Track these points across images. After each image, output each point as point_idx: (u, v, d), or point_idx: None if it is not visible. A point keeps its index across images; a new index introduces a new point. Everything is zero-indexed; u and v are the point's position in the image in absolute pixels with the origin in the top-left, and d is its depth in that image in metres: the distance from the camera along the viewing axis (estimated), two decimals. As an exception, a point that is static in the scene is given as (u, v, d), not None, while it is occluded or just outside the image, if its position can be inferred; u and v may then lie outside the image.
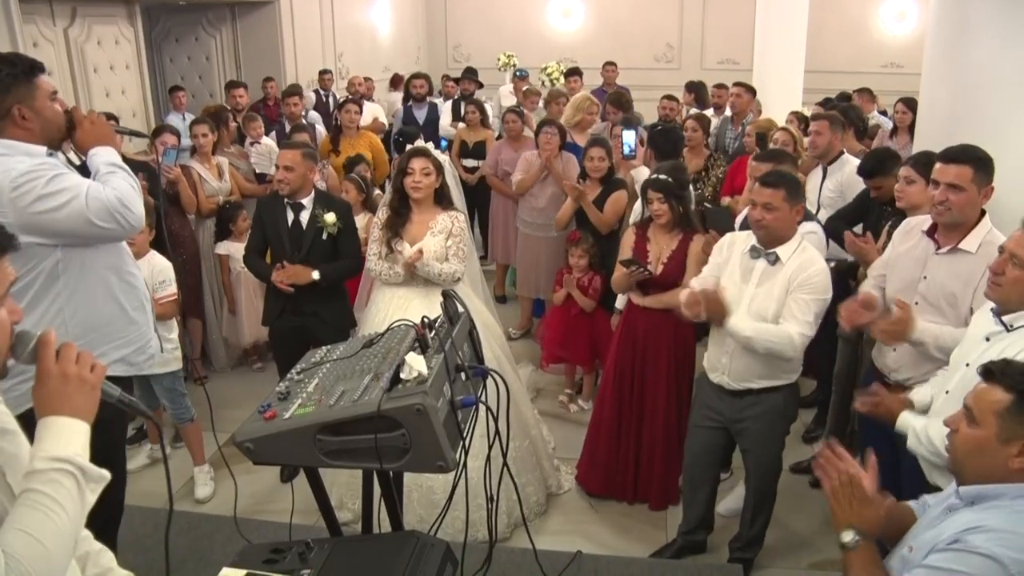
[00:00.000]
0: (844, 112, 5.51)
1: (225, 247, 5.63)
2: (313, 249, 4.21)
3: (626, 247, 4.13)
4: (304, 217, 4.23)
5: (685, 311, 3.31)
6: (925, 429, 2.53)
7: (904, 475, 2.95)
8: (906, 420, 2.63)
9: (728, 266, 3.39)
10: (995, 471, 1.83)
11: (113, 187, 2.64)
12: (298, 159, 4.18)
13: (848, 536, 1.96)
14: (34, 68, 2.60)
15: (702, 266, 3.88)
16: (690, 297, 3.29)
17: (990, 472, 1.84)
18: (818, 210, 4.62)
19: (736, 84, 7.40)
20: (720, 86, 7.97)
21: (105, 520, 2.75)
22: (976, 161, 2.93)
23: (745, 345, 3.21)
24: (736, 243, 3.41)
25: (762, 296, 3.23)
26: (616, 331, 4.28)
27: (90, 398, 1.56)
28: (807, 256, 3.22)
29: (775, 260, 3.23)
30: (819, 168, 4.88)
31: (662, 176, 3.96)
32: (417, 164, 3.90)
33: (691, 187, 4.52)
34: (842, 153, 4.82)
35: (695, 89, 8.78)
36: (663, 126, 5.23)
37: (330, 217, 4.19)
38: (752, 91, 7.38)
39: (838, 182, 4.69)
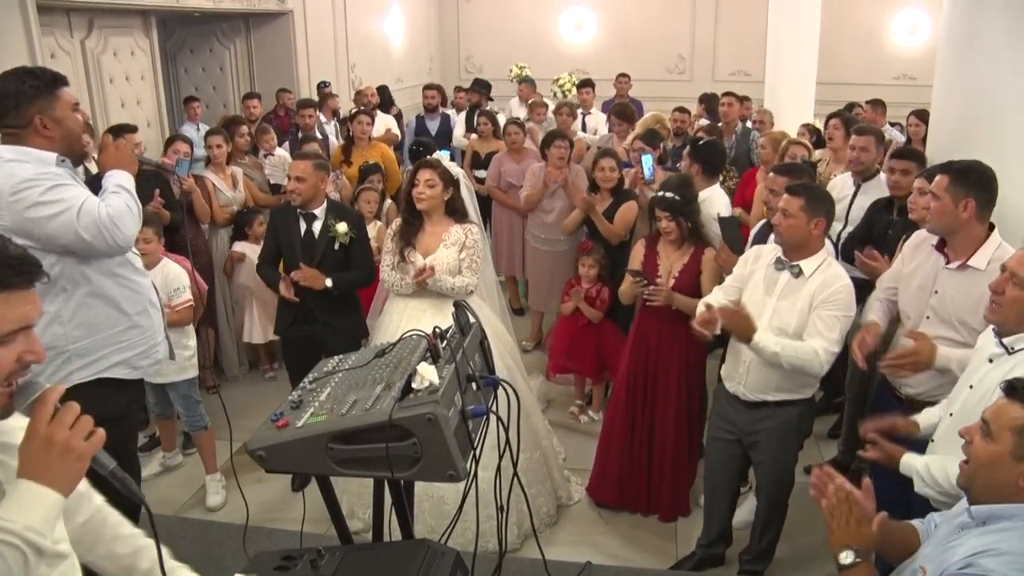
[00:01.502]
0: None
1: (242, 247, 5.66)
2: (325, 259, 4.23)
3: (635, 261, 4.14)
4: (316, 227, 4.26)
5: (698, 328, 3.28)
6: (928, 468, 2.47)
7: (914, 494, 2.93)
8: (909, 464, 2.56)
9: (752, 278, 3.38)
10: (1005, 488, 1.80)
11: (109, 204, 2.73)
12: (309, 169, 4.21)
13: (847, 557, 1.93)
14: (57, 80, 2.71)
15: (716, 277, 3.88)
16: (706, 315, 3.25)
17: (1000, 489, 1.81)
18: (845, 225, 4.56)
19: (726, 94, 7.44)
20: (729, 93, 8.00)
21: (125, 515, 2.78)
22: (956, 172, 2.95)
23: (771, 361, 3.18)
24: (762, 256, 3.40)
25: (785, 309, 3.22)
26: (628, 342, 4.28)
27: (72, 469, 1.43)
28: (832, 272, 3.20)
29: (798, 273, 3.21)
30: (849, 180, 4.78)
31: (668, 194, 3.95)
32: (422, 176, 3.93)
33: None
34: (878, 172, 4.69)
35: (707, 100, 8.80)
36: (706, 140, 5.20)
37: (342, 227, 4.22)
38: (741, 100, 7.41)
39: (870, 201, 4.52)
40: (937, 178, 3.00)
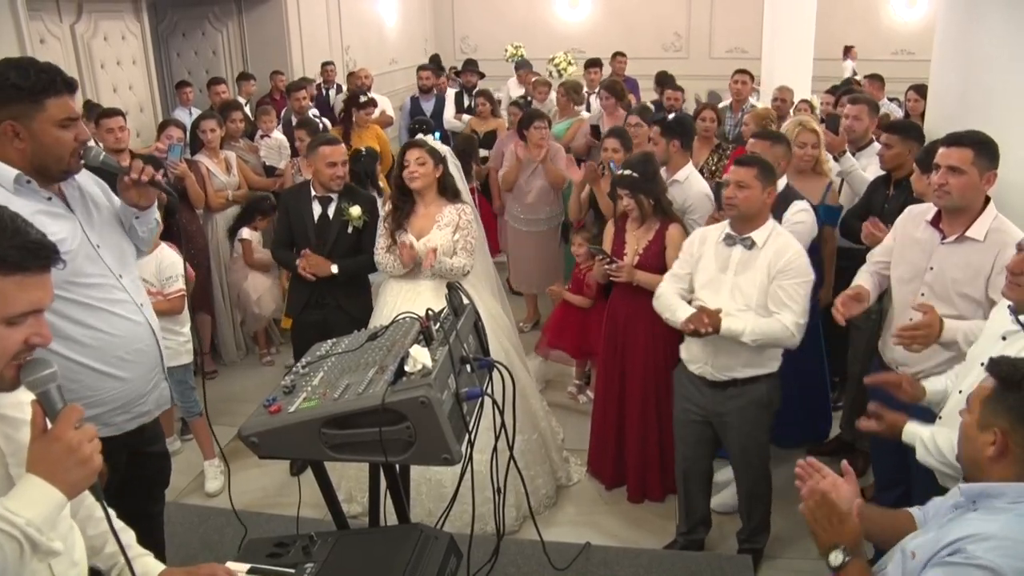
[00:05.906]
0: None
1: (248, 233, 5.62)
2: (338, 242, 4.21)
3: (607, 240, 4.16)
4: (332, 211, 4.25)
5: (688, 327, 3.22)
6: (933, 438, 2.43)
7: (915, 471, 2.91)
8: (913, 432, 2.52)
9: (703, 260, 3.38)
10: (976, 460, 1.82)
11: None
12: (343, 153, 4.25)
13: (837, 558, 1.91)
14: (49, 88, 2.24)
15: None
16: (695, 319, 3.18)
17: (972, 461, 1.83)
18: (840, 188, 4.66)
19: (739, 71, 7.42)
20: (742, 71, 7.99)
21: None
22: (977, 144, 2.89)
23: (745, 342, 3.18)
24: (708, 237, 3.42)
25: (744, 284, 3.23)
26: (604, 320, 4.28)
27: (79, 472, 1.47)
28: (783, 241, 3.24)
29: (751, 245, 3.23)
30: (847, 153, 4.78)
31: (627, 172, 3.93)
32: (411, 155, 3.91)
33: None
34: (872, 141, 4.72)
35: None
36: (677, 115, 5.17)
37: (355, 210, 4.19)
38: (752, 78, 7.39)
39: (864, 167, 4.60)
40: (956, 151, 2.89)
